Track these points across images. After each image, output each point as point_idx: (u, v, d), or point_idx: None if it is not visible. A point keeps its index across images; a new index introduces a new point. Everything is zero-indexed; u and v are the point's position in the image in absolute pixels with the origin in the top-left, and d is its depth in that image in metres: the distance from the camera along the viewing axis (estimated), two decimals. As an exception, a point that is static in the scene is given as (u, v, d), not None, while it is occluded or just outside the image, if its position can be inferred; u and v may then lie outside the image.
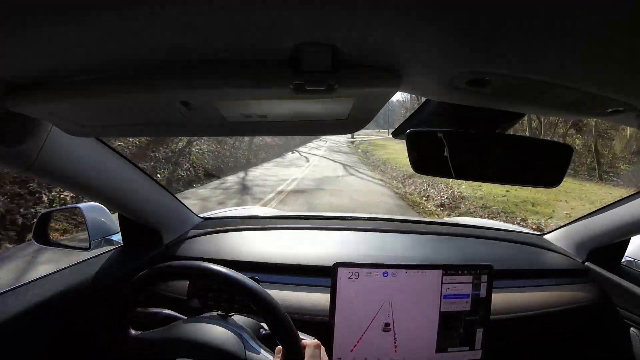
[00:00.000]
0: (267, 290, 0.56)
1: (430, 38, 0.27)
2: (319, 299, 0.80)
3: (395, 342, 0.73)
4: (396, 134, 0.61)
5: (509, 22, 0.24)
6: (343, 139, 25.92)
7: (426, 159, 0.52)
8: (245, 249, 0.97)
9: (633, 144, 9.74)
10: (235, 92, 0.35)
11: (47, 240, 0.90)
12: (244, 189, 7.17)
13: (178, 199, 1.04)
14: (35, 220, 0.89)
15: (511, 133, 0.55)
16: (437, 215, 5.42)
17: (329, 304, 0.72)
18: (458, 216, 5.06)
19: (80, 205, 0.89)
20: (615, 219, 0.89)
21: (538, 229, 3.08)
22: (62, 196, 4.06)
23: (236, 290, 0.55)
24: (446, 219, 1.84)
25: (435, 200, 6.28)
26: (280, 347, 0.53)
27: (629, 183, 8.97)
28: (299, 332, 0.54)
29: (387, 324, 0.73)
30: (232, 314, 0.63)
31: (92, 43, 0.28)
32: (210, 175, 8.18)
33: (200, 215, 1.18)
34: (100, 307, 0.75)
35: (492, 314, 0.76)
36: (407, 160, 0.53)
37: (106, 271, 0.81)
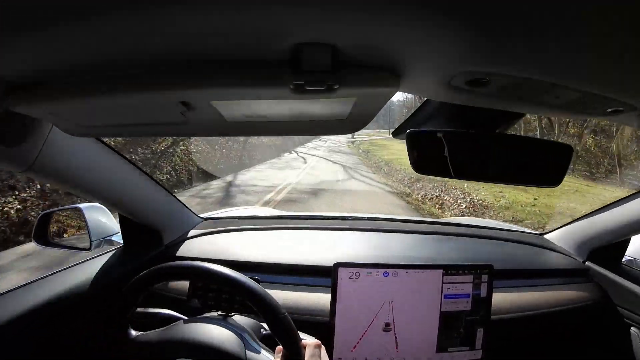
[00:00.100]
0: (267, 290, 0.56)
1: (430, 38, 0.27)
2: (319, 299, 0.80)
3: (395, 342, 0.73)
4: (396, 134, 0.61)
5: (508, 22, 0.24)
6: (343, 138, 25.65)
7: (426, 158, 0.52)
8: (246, 249, 0.97)
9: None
10: (235, 92, 0.35)
11: (48, 241, 0.90)
12: (226, 197, 6.27)
13: (178, 199, 1.04)
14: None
15: (511, 133, 0.55)
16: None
17: (329, 304, 0.72)
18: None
19: (80, 205, 0.89)
20: (615, 218, 0.89)
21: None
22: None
23: (236, 291, 0.55)
24: (446, 219, 1.84)
25: (452, 209, 5.66)
26: (280, 347, 0.53)
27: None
28: (299, 332, 0.54)
29: (387, 324, 0.73)
30: (233, 314, 0.63)
31: (92, 43, 0.28)
32: (194, 179, 7.50)
33: (201, 215, 1.19)
34: (100, 307, 0.75)
35: (492, 313, 0.76)
36: (413, 162, 0.45)
37: (106, 271, 0.81)
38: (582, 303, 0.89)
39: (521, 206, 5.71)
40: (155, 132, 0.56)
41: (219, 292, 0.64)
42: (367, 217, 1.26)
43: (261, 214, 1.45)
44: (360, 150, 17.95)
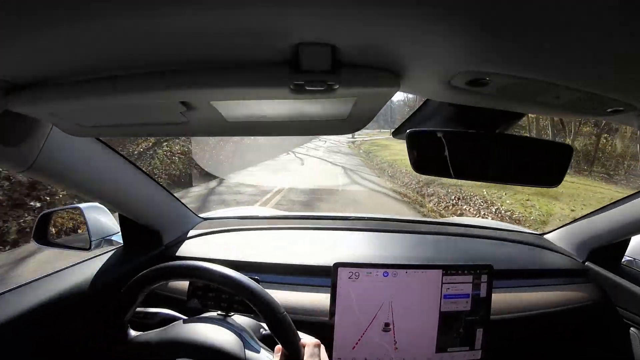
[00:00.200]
0: (267, 290, 0.56)
1: (430, 38, 0.27)
2: (319, 299, 0.80)
3: (395, 342, 0.73)
4: (396, 134, 0.61)
5: (508, 22, 0.24)
6: (343, 138, 25.35)
7: (426, 158, 0.52)
8: (245, 249, 0.96)
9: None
10: (235, 92, 0.35)
11: (48, 241, 0.90)
12: (202, 208, 5.10)
13: (178, 199, 1.04)
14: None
15: (511, 133, 0.55)
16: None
17: (329, 304, 0.72)
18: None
19: (80, 205, 0.89)
20: (615, 218, 0.89)
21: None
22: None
23: (235, 290, 0.55)
24: (446, 219, 1.84)
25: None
26: (279, 346, 0.53)
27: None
28: (299, 331, 0.54)
29: (387, 324, 0.73)
30: (232, 314, 0.63)
31: (92, 43, 0.28)
32: (176, 184, 6.65)
33: (200, 215, 1.18)
34: (100, 307, 0.75)
35: (492, 314, 0.76)
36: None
37: (106, 271, 0.81)
38: (581, 303, 0.89)
39: (559, 219, 4.63)
40: (155, 132, 0.56)
41: (218, 292, 0.64)
42: (367, 217, 1.26)
43: (261, 214, 1.45)
44: (361, 151, 17.18)
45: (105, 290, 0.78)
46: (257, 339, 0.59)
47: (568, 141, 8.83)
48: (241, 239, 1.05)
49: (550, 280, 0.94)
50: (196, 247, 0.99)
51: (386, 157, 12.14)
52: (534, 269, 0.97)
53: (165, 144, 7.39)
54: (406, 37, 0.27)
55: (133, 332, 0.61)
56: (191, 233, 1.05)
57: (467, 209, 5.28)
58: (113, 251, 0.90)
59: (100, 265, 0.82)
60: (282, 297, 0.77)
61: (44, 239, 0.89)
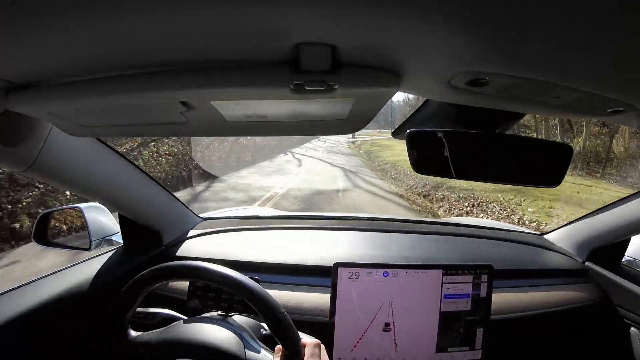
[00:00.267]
0: (267, 290, 0.56)
1: (430, 38, 0.27)
2: (319, 299, 0.80)
3: (395, 342, 0.73)
4: (396, 134, 0.61)
5: (508, 22, 0.24)
6: (343, 139, 25.16)
7: (426, 159, 0.52)
8: (245, 249, 0.96)
9: None
10: (235, 92, 0.35)
11: (48, 241, 0.90)
12: None
13: (178, 199, 1.04)
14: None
15: (511, 133, 0.55)
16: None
17: (329, 304, 0.72)
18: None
19: (80, 205, 0.89)
20: (615, 218, 0.89)
21: None
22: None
23: (235, 290, 0.55)
24: (446, 219, 1.84)
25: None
26: (279, 346, 0.53)
27: None
28: (299, 332, 0.54)
29: (387, 324, 0.73)
30: (232, 314, 0.63)
31: (92, 43, 0.28)
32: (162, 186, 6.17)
33: (200, 215, 1.18)
34: (100, 307, 0.75)
35: (492, 313, 0.76)
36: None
37: (106, 271, 0.81)
38: (581, 303, 0.89)
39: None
40: (155, 132, 0.56)
41: (218, 292, 0.64)
42: (367, 217, 1.26)
43: (261, 214, 1.45)
44: (361, 151, 16.54)
45: (105, 290, 0.78)
46: (257, 339, 0.59)
47: (579, 142, 8.46)
48: (241, 239, 1.05)
49: (550, 280, 0.94)
50: (196, 247, 0.99)
51: (388, 158, 11.56)
52: (534, 269, 0.97)
53: (152, 144, 6.80)
54: (406, 37, 0.27)
55: (133, 333, 0.61)
56: (191, 233, 1.05)
57: (485, 217, 4.76)
58: (113, 251, 0.90)
59: (100, 265, 0.82)
60: (282, 297, 0.77)
61: (44, 239, 0.89)
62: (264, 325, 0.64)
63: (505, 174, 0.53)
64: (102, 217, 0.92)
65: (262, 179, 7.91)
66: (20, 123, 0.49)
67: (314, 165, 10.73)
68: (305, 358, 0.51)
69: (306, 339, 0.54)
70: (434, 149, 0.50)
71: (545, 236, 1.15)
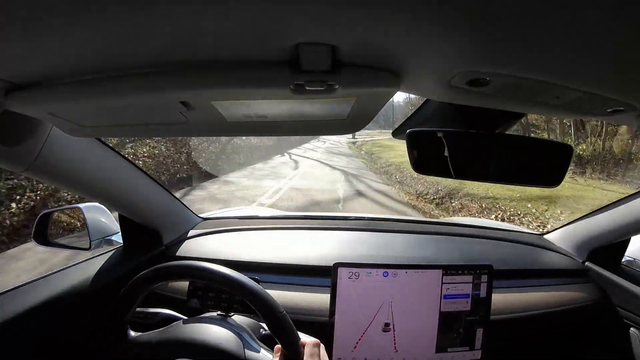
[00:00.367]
0: (267, 290, 0.56)
1: (431, 38, 0.27)
2: (319, 299, 0.80)
3: (395, 342, 0.73)
4: (396, 134, 0.61)
5: (508, 22, 0.24)
6: (343, 139, 24.91)
7: (426, 159, 0.52)
8: (245, 249, 0.97)
9: None
10: (235, 92, 0.35)
11: (48, 241, 0.90)
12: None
13: (178, 199, 1.04)
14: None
15: (511, 133, 0.55)
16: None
17: (329, 304, 0.72)
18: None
19: (80, 205, 0.89)
20: (615, 218, 0.89)
21: None
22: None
23: (234, 290, 0.55)
24: (446, 219, 1.84)
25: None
26: (279, 346, 0.53)
27: None
28: (298, 331, 0.54)
29: (387, 324, 0.73)
30: (232, 314, 0.63)
31: (91, 44, 0.28)
32: None
33: (200, 215, 1.19)
34: (100, 307, 0.75)
35: (492, 314, 0.76)
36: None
37: (106, 271, 0.81)
38: (581, 303, 0.89)
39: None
40: (155, 132, 0.56)
41: (218, 292, 0.64)
42: (367, 217, 1.26)
43: (261, 214, 1.45)
44: (362, 152, 15.90)
45: (105, 290, 0.78)
46: (257, 339, 0.59)
47: (597, 142, 7.95)
48: (241, 239, 1.05)
49: (550, 280, 0.94)
50: (196, 247, 0.99)
51: (391, 159, 10.89)
52: (534, 269, 0.97)
53: (130, 145, 6.14)
54: (406, 38, 0.27)
55: (133, 333, 0.61)
56: (191, 233, 1.05)
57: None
58: (113, 251, 0.90)
59: (100, 265, 0.82)
60: (282, 297, 0.77)
61: (44, 239, 0.89)
62: (264, 325, 0.64)
63: (505, 174, 0.53)
64: (102, 217, 0.92)
65: (251, 185, 6.86)
66: (20, 123, 0.49)
67: (312, 168, 9.80)
68: (304, 358, 0.51)
69: (306, 338, 0.54)
70: (434, 148, 0.50)
71: (545, 236, 1.15)
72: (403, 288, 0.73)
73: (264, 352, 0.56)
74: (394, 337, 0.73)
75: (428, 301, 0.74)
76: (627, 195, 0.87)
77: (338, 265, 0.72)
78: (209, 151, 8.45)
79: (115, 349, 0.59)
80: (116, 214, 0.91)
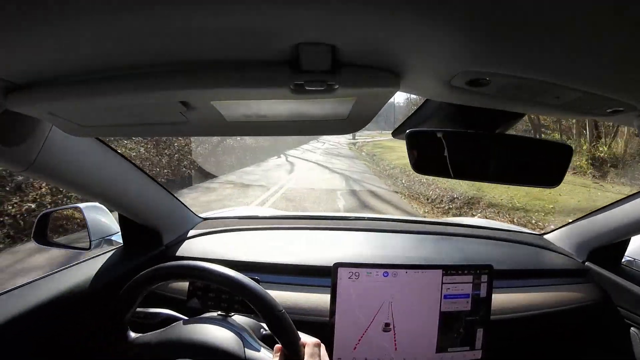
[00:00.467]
0: (267, 290, 0.56)
1: (431, 38, 0.27)
2: (319, 299, 0.80)
3: (395, 342, 0.73)
4: (396, 134, 0.61)
5: (508, 22, 0.24)
6: (343, 140, 24.75)
7: (426, 159, 0.52)
8: (245, 249, 0.97)
9: None
10: (235, 92, 0.35)
11: (47, 241, 0.90)
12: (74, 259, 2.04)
13: (178, 199, 1.04)
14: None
15: (511, 133, 0.55)
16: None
17: (329, 304, 0.72)
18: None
19: (80, 205, 0.89)
20: (615, 218, 0.89)
21: None
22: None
23: (234, 289, 0.55)
24: (446, 219, 1.84)
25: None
26: (279, 345, 0.53)
27: None
28: (299, 331, 0.54)
29: (387, 324, 0.73)
30: (232, 314, 0.63)
31: (92, 43, 0.28)
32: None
33: (200, 215, 1.19)
34: (100, 307, 0.75)
35: (492, 314, 0.76)
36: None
37: (106, 271, 0.81)
38: (581, 303, 0.89)
39: None
40: (155, 132, 0.56)
41: (218, 292, 0.64)
42: (367, 217, 1.26)
43: (261, 214, 1.45)
44: (363, 153, 15.08)
45: (105, 291, 0.78)
46: (257, 339, 0.59)
47: (620, 143, 7.53)
48: (241, 239, 1.05)
49: (550, 280, 0.94)
50: (196, 247, 0.99)
51: (394, 161, 10.20)
52: (534, 269, 0.97)
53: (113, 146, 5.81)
54: (406, 38, 0.27)
55: (132, 334, 0.60)
56: (191, 233, 1.05)
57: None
58: (113, 251, 0.90)
59: (100, 265, 0.82)
60: (282, 297, 0.77)
61: (44, 239, 0.89)
62: (264, 325, 0.64)
63: (505, 174, 0.53)
64: (102, 217, 0.92)
65: (236, 194, 6.04)
66: (20, 123, 0.49)
67: (308, 172, 8.86)
68: (305, 358, 0.51)
69: (306, 338, 0.54)
70: (434, 149, 0.50)
71: (545, 236, 1.15)
72: (403, 288, 0.73)
73: (264, 352, 0.56)
74: (394, 337, 0.73)
75: (428, 301, 0.73)
76: (627, 195, 0.87)
77: (338, 265, 0.72)
78: (196, 153, 7.70)
79: (115, 349, 0.59)
80: (116, 214, 0.91)
